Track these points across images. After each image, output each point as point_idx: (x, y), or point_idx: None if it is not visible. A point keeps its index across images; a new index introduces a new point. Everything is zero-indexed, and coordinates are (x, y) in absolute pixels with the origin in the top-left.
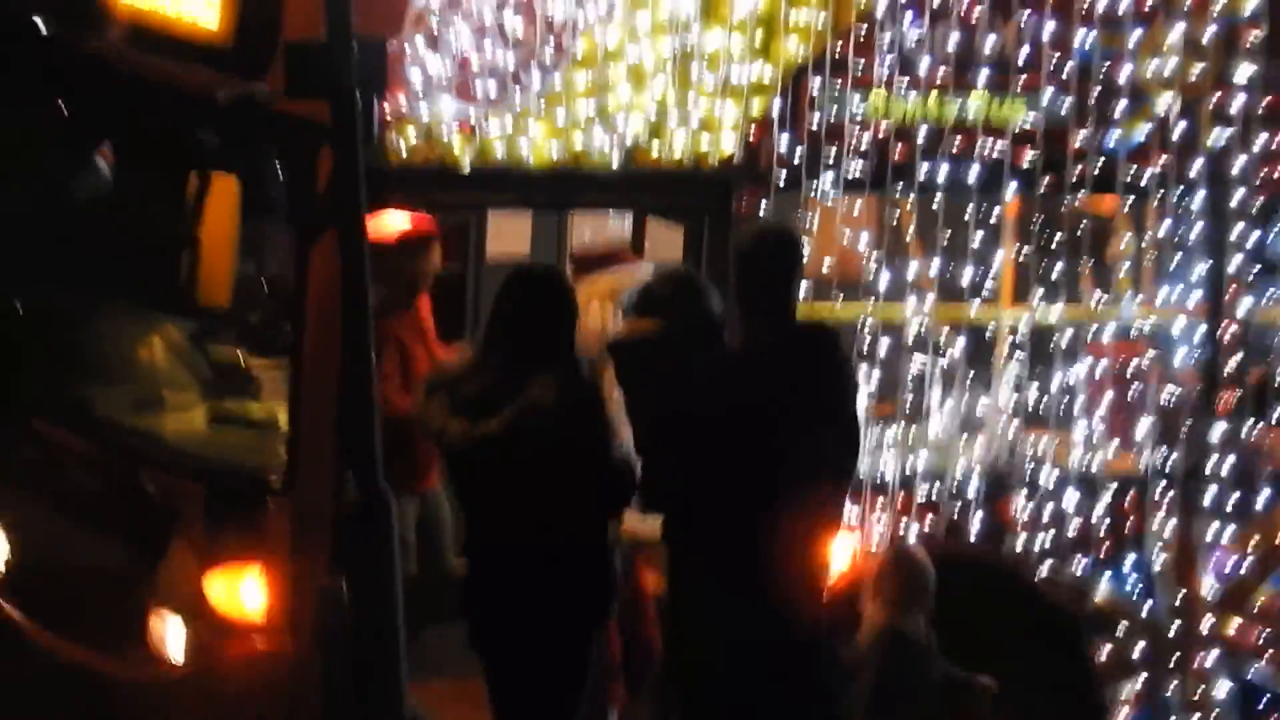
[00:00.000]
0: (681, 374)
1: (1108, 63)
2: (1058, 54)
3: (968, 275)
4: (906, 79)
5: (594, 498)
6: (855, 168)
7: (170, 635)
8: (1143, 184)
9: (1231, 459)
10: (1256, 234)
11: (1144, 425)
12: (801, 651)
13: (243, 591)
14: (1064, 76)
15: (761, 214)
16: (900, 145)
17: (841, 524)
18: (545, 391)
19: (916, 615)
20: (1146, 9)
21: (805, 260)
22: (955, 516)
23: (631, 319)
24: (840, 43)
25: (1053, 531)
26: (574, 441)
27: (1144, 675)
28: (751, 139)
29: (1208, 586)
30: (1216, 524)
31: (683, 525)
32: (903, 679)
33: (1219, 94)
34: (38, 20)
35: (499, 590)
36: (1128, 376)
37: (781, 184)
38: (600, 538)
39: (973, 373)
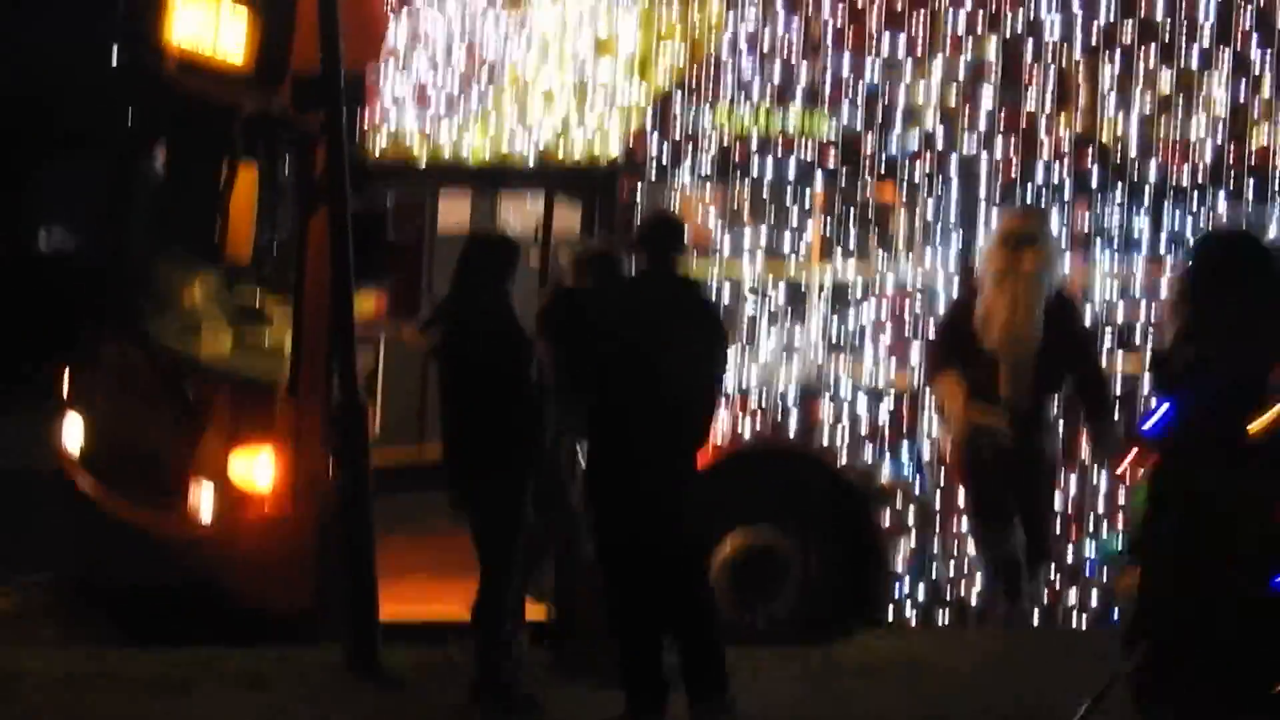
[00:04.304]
0: (604, 314)
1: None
2: (854, 80)
3: (787, 242)
4: (744, 99)
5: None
6: (706, 164)
7: (203, 500)
8: (915, 179)
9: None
10: (995, 215)
11: (914, 352)
12: (679, 494)
13: (256, 468)
14: (857, 99)
15: (638, 199)
16: (738, 148)
17: (713, 413)
18: None
19: None
20: (917, 53)
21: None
22: (779, 417)
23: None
24: (694, 75)
25: (849, 428)
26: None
27: (914, 535)
28: (631, 143)
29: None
30: None
31: (603, 413)
32: None
33: (969, 113)
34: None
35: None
36: (903, 317)
37: (653, 176)
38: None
39: (790, 312)
